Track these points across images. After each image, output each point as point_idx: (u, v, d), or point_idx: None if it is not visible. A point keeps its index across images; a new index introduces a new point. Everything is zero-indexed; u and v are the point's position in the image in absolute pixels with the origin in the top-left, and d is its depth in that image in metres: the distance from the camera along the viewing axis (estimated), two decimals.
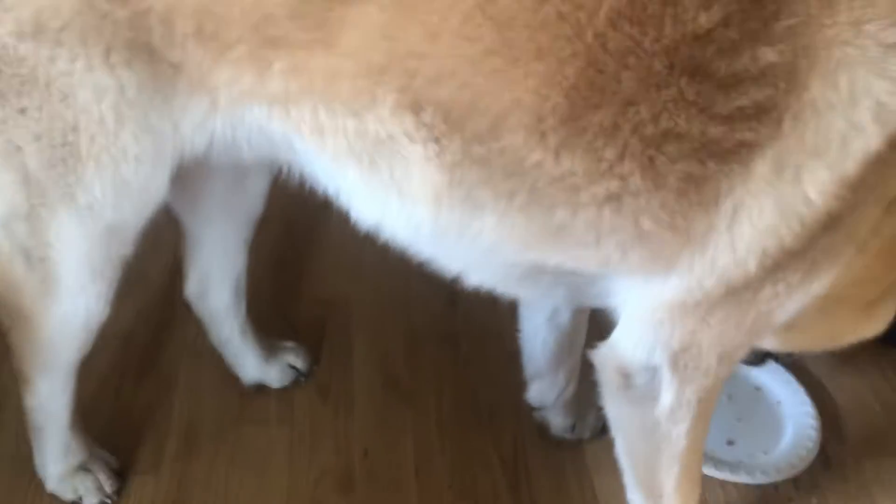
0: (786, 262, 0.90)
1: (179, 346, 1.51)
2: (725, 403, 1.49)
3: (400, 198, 0.94)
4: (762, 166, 0.85)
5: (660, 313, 0.96)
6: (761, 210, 0.87)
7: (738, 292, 0.92)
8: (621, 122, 0.83)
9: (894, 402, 1.60)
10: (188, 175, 1.04)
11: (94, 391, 1.40)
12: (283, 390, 1.46)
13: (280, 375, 1.46)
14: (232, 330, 1.39)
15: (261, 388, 1.45)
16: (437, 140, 0.87)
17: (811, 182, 0.85)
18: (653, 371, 1.00)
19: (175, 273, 1.57)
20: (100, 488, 1.24)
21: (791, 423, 1.50)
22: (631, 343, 1.00)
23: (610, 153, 0.84)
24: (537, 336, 1.38)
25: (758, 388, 1.55)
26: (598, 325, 1.15)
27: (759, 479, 1.41)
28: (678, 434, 1.04)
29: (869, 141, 0.83)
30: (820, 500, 1.41)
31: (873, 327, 1.14)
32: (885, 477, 1.46)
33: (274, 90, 0.90)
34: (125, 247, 1.00)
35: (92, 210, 0.94)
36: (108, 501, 1.25)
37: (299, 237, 1.78)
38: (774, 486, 1.42)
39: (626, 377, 1.02)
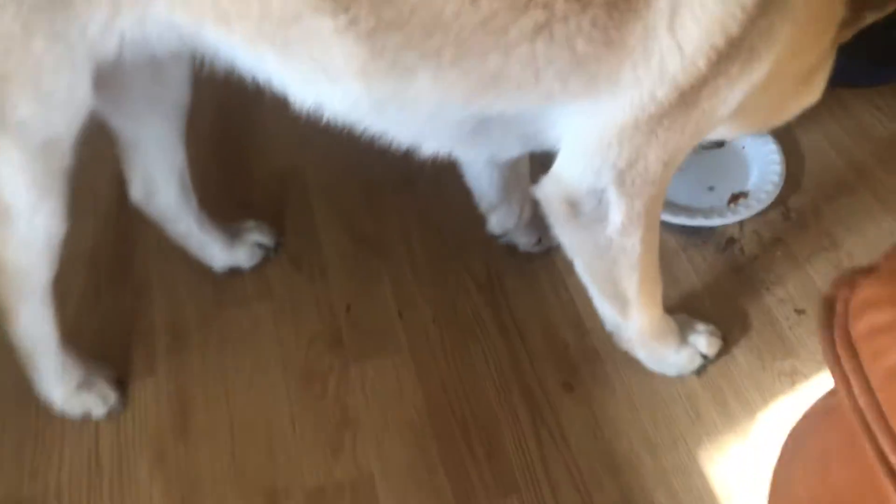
0: (727, 53, 0.89)
1: (144, 250, 1.51)
2: (697, 153, 1.48)
3: (328, 78, 0.93)
4: None
5: (609, 136, 0.96)
6: (703, 3, 0.84)
7: (687, 96, 0.92)
8: None
9: (847, 145, 1.63)
10: (108, 77, 1.02)
11: (75, 312, 1.42)
12: (256, 269, 1.48)
13: (249, 256, 1.47)
14: (189, 224, 1.39)
15: (234, 272, 1.47)
16: (345, 10, 0.84)
17: None
18: (600, 193, 1.02)
19: (123, 182, 1.56)
20: (105, 399, 1.29)
21: (756, 164, 1.56)
22: (577, 171, 1.01)
23: None
24: (482, 177, 1.40)
25: None
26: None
27: (732, 218, 1.48)
28: (633, 245, 1.08)
29: None
30: (784, 251, 1.47)
31: (812, 96, 1.15)
32: (844, 215, 1.52)
33: None
34: (65, 159, 1.00)
35: (25, 128, 0.94)
36: (117, 409, 1.30)
37: (236, 118, 1.74)
38: (741, 249, 1.48)
39: (573, 205, 1.04)
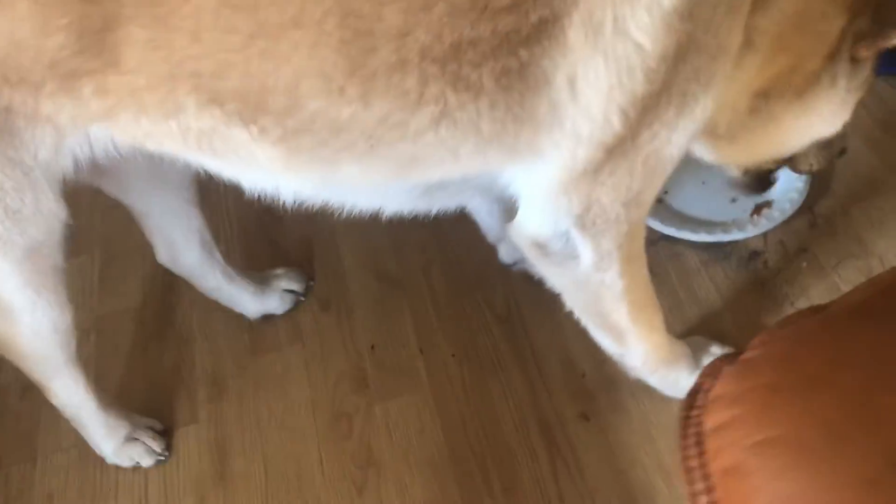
0: (651, 104, 0.90)
1: (186, 304, 1.61)
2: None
3: (263, 172, 0.99)
4: (575, 32, 0.84)
5: (554, 190, 0.99)
6: (596, 73, 0.86)
7: (615, 148, 0.93)
8: (406, 54, 0.84)
9: (880, 140, 1.56)
10: (98, 169, 1.10)
11: (125, 366, 1.54)
12: (288, 314, 1.55)
13: (280, 302, 1.55)
14: (216, 279, 1.47)
15: (268, 318, 1.55)
16: (253, 121, 0.91)
17: (636, 28, 0.84)
18: (564, 235, 1.04)
19: None
20: (150, 451, 1.39)
21: (781, 170, 1.49)
22: (536, 220, 1.04)
23: (411, 83, 0.86)
24: (482, 209, 1.42)
25: None
26: None
27: (753, 230, 1.44)
28: (612, 279, 1.08)
29: None
30: (810, 262, 1.42)
31: (826, 124, 1.10)
32: (875, 217, 1.45)
33: (95, 110, 0.95)
34: (52, 258, 1.08)
35: (4, 242, 1.03)
36: (162, 458, 1.40)
37: None
38: (765, 262, 1.44)
39: (541, 247, 1.06)
